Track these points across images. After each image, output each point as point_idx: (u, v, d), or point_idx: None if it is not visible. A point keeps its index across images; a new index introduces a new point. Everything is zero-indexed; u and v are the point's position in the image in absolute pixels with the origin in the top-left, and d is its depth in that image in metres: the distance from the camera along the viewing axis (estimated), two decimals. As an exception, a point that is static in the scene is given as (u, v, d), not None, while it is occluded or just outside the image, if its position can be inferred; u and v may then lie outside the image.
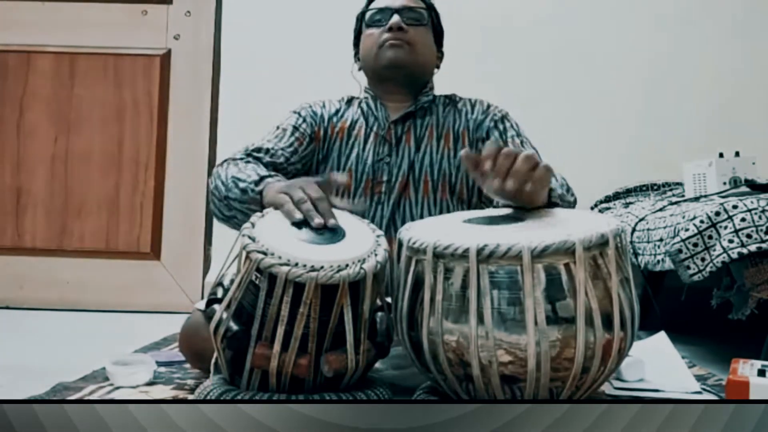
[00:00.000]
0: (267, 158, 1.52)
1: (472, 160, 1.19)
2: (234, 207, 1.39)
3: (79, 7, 2.95)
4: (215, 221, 2.91)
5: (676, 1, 2.93)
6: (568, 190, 1.45)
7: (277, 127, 1.61)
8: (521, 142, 1.58)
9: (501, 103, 1.67)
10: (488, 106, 1.64)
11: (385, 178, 1.56)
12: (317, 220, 1.17)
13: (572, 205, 1.43)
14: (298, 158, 1.57)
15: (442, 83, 1.70)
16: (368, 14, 1.64)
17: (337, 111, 1.65)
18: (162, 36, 2.96)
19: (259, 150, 1.53)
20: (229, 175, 1.41)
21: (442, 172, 1.56)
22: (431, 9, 1.68)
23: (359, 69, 1.70)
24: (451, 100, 1.67)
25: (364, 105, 1.65)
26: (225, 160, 1.49)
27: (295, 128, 1.60)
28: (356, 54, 1.72)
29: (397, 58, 1.58)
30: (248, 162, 1.47)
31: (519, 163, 1.16)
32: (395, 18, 1.58)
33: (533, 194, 1.19)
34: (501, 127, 1.60)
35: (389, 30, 1.58)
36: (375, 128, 1.60)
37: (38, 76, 2.94)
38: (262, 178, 1.36)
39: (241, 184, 1.37)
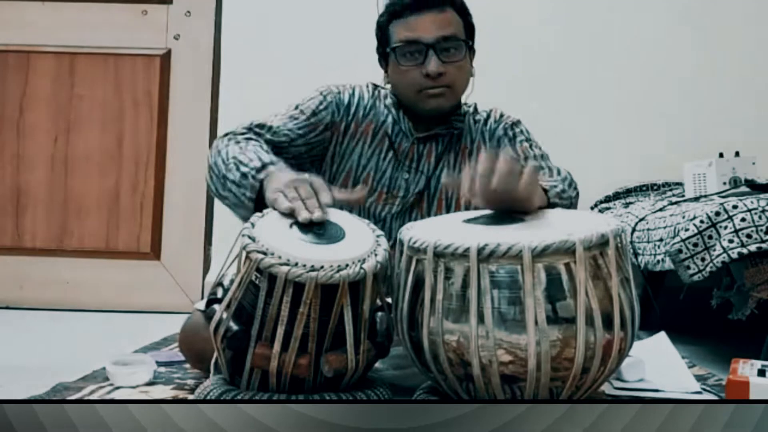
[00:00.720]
0: (268, 135, 1.45)
1: (452, 185, 1.17)
2: (229, 188, 1.33)
3: (79, 7, 2.95)
4: (215, 221, 2.95)
5: (675, 1, 2.93)
6: (570, 184, 1.42)
7: (296, 107, 1.53)
8: (530, 146, 1.55)
9: (498, 103, 1.66)
10: (501, 115, 1.61)
11: (401, 194, 1.53)
12: (303, 215, 1.14)
13: (574, 199, 1.41)
14: (304, 142, 1.50)
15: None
16: (398, 48, 1.48)
17: (365, 107, 1.57)
18: (162, 36, 2.96)
19: (262, 126, 1.46)
20: (230, 154, 1.35)
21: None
22: (465, 19, 1.54)
23: (387, 83, 1.58)
24: (467, 113, 1.61)
25: (388, 111, 1.57)
26: (226, 135, 1.43)
27: (314, 113, 1.52)
28: (380, 63, 1.59)
29: (439, 107, 1.50)
30: (249, 140, 1.40)
31: (498, 180, 1.13)
32: (433, 66, 1.45)
33: (524, 202, 1.17)
34: (511, 134, 1.57)
35: (427, 76, 1.47)
36: (399, 141, 1.55)
37: (38, 76, 2.93)
38: (264, 165, 1.30)
39: (243, 168, 1.31)
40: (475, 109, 1.63)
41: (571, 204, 1.40)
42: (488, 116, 1.61)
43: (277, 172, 1.28)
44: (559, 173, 1.45)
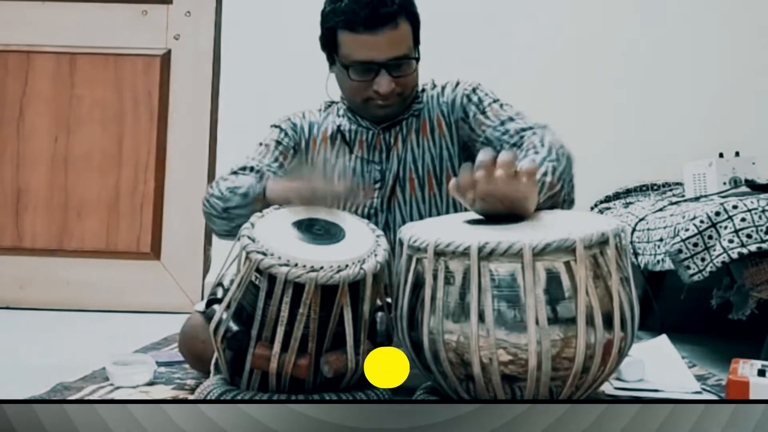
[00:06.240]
0: (252, 175, 1.51)
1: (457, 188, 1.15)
2: (235, 215, 1.40)
3: (79, 7, 2.95)
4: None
5: (676, 1, 2.92)
6: (559, 149, 1.35)
7: (260, 144, 1.60)
8: (500, 106, 1.51)
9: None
10: (457, 83, 1.57)
11: (377, 185, 1.54)
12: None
13: (568, 168, 1.34)
14: (284, 173, 1.55)
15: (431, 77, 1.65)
16: (351, 68, 1.47)
17: (317, 121, 1.61)
18: (162, 36, 2.96)
19: (243, 168, 1.52)
20: (223, 188, 1.44)
21: (426, 167, 1.53)
22: (414, 25, 1.49)
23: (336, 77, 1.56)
24: (424, 90, 1.60)
25: (344, 113, 1.60)
26: (211, 184, 1.51)
27: (278, 143, 1.58)
28: (328, 58, 1.56)
29: (386, 116, 1.54)
30: (236, 174, 1.49)
31: (499, 183, 1.10)
32: (384, 86, 1.46)
33: (522, 201, 1.15)
34: (475, 98, 1.52)
35: (376, 93, 1.48)
36: (361, 135, 1.57)
37: (38, 76, 2.94)
38: (261, 176, 1.40)
39: (240, 190, 1.40)
40: (433, 85, 1.62)
41: (570, 177, 1.34)
42: (444, 88, 1.59)
43: (278, 179, 1.34)
44: (542, 142, 1.38)
